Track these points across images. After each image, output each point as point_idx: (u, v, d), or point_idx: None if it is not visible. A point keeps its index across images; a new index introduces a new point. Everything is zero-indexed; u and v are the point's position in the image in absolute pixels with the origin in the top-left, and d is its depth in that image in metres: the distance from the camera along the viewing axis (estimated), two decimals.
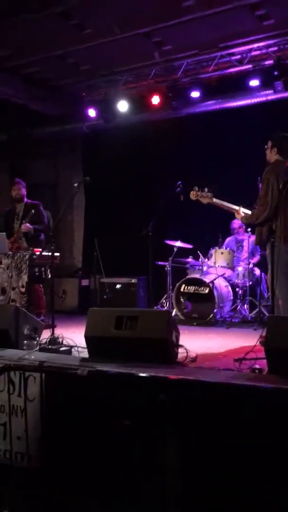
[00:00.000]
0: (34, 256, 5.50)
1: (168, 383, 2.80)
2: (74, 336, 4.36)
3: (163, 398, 2.58)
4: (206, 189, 4.78)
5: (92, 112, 7.98)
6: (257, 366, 3.34)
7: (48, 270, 5.72)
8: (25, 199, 6.17)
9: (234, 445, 2.58)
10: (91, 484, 2.88)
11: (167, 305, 6.61)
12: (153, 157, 7.69)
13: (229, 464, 2.57)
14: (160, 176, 7.55)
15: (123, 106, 7.70)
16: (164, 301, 6.83)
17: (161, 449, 2.72)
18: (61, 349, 4.05)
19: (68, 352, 4.02)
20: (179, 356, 3.68)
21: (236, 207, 4.68)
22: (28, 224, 5.81)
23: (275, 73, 6.48)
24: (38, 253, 5.57)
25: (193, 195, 4.82)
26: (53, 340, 4.19)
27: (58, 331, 4.46)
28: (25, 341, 4.06)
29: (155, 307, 6.89)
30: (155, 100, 7.45)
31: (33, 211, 5.82)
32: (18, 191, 6.12)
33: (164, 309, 6.65)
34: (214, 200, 4.76)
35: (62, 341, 4.23)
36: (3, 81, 7.40)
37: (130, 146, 7.84)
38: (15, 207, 6.19)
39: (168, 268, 6.57)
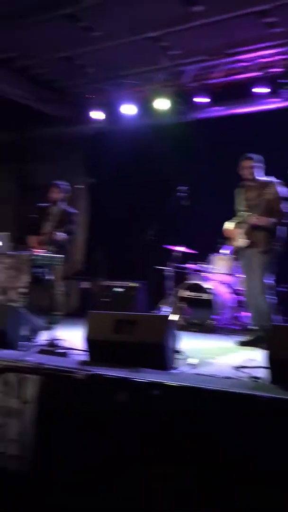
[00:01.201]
0: (36, 257, 5.46)
1: (165, 389, 2.77)
2: (73, 339, 4.33)
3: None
4: None
5: (97, 115, 7.96)
6: (257, 375, 3.31)
7: (49, 272, 5.68)
8: (63, 205, 6.08)
9: (230, 453, 2.55)
10: (87, 489, 2.85)
11: (167, 310, 6.56)
12: (158, 162, 7.65)
13: (224, 471, 2.54)
14: (164, 181, 7.52)
15: (129, 109, 7.68)
16: (163, 306, 6.78)
17: (153, 456, 2.69)
18: (59, 351, 4.03)
19: (65, 354, 3.99)
20: (178, 362, 3.65)
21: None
22: (63, 234, 5.73)
23: (284, 81, 6.46)
24: (40, 254, 5.53)
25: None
26: (52, 342, 4.17)
27: (57, 333, 4.44)
28: (23, 342, 4.04)
29: (154, 312, 6.85)
30: (162, 104, 7.42)
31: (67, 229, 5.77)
32: (57, 195, 6.03)
33: (161, 313, 6.61)
34: None
35: (60, 344, 4.21)
36: (10, 81, 7.41)
37: (135, 150, 7.82)
38: (47, 207, 6.08)
39: (168, 273, 6.53)
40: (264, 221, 4.87)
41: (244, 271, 5.14)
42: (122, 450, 2.79)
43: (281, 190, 4.92)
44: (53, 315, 5.05)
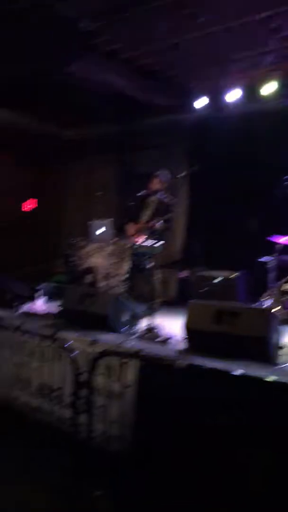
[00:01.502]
0: (137, 245, 5.55)
1: (264, 385, 2.67)
2: (172, 327, 4.35)
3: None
4: None
5: (201, 102, 7.84)
6: None
7: (150, 260, 5.75)
8: (162, 195, 6.15)
9: None
10: (181, 477, 2.85)
11: (268, 303, 6.34)
12: (264, 149, 7.37)
13: None
14: (269, 170, 7.23)
15: (234, 95, 7.48)
16: (265, 298, 6.56)
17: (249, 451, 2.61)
18: (158, 339, 4.06)
19: (165, 342, 4.02)
20: (281, 357, 3.51)
21: None
22: (161, 224, 5.76)
23: None
24: (141, 242, 5.62)
25: None
26: (151, 329, 4.21)
27: (156, 321, 4.48)
28: (123, 328, 4.13)
29: (254, 304, 6.66)
30: (269, 89, 7.11)
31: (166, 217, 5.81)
32: (155, 185, 6.11)
33: (264, 306, 6.40)
34: None
35: (159, 331, 4.24)
36: (115, 73, 7.55)
37: (240, 137, 7.59)
38: (146, 196, 6.18)
39: (272, 265, 6.28)
40: None
41: None
42: (217, 438, 2.75)
43: None
44: (152, 303, 5.10)
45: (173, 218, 6.05)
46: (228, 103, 7.53)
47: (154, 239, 5.64)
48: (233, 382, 2.79)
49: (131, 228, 5.83)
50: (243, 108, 7.58)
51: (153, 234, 5.86)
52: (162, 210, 5.96)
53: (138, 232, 5.93)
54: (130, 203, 6.31)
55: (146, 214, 6.08)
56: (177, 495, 2.77)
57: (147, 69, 7.84)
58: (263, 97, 7.25)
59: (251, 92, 7.46)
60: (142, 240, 5.66)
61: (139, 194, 6.31)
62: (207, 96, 7.77)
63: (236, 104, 7.51)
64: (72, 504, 2.51)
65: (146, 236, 5.83)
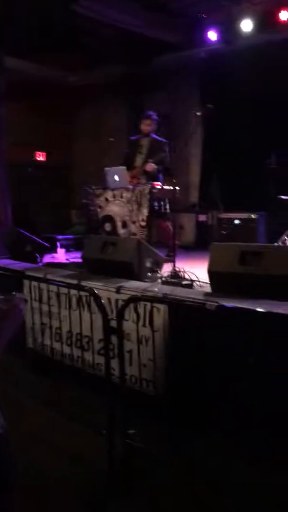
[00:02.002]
0: (155, 190, 5.47)
1: None
2: (194, 271, 4.35)
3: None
4: None
5: (212, 35, 7.47)
6: None
7: (168, 205, 5.69)
8: (152, 134, 6.10)
9: None
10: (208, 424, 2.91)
11: None
12: (279, 83, 7.05)
13: None
14: (285, 104, 6.95)
15: (246, 25, 7.09)
16: (285, 238, 6.48)
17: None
18: (183, 282, 4.07)
19: (190, 286, 4.03)
20: None
21: None
22: (153, 165, 5.78)
23: None
24: (158, 187, 5.53)
25: None
26: (175, 274, 4.22)
27: (178, 266, 4.48)
28: (148, 274, 4.14)
29: (275, 244, 6.60)
30: (284, 16, 6.71)
31: (159, 158, 5.75)
32: (147, 126, 6.04)
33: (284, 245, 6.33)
34: None
35: (183, 275, 4.25)
36: (122, 8, 7.19)
37: (253, 71, 7.26)
38: (139, 139, 6.14)
39: None
40: None
41: None
42: (244, 380, 2.80)
43: None
44: (173, 247, 5.08)
45: (167, 157, 5.96)
46: (241, 34, 7.15)
47: (148, 181, 5.59)
48: (260, 320, 2.80)
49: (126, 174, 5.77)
50: (256, 39, 7.20)
51: (148, 176, 5.82)
52: (155, 150, 5.90)
53: (134, 177, 5.88)
54: (125, 149, 6.24)
55: (139, 158, 6.01)
56: (209, 433, 2.86)
57: (153, 3, 7.44)
58: (278, 26, 6.85)
59: (264, 21, 7.05)
60: (159, 185, 5.58)
61: (132, 138, 6.21)
62: (218, 29, 7.38)
63: (249, 35, 7.13)
64: (107, 443, 2.62)
65: (140, 181, 5.79)
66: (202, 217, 7.81)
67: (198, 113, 4.57)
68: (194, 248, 7.51)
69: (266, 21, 7.00)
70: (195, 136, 8.87)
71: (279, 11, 6.77)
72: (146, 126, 6.05)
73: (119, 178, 5.67)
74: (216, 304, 2.52)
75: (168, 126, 8.97)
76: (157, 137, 6.14)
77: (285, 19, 6.75)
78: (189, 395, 3.05)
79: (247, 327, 2.82)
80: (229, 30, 7.18)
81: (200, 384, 2.94)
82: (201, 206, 8.24)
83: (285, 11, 6.70)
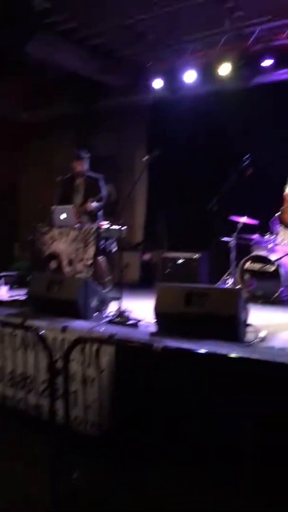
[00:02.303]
0: (101, 229, 5.55)
1: (245, 363, 2.77)
2: (139, 310, 4.40)
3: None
4: None
5: (158, 83, 7.82)
6: None
7: (114, 244, 5.78)
8: (87, 173, 6.19)
9: None
10: (159, 457, 2.92)
11: (230, 282, 6.51)
12: (221, 130, 7.46)
13: None
14: (227, 150, 7.34)
15: (190, 76, 7.49)
16: (227, 277, 6.72)
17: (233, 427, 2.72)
18: (128, 322, 4.10)
19: (135, 325, 4.06)
20: (249, 335, 3.63)
21: None
22: (93, 204, 5.87)
23: None
24: (105, 226, 5.62)
25: None
26: (121, 313, 4.25)
27: (123, 305, 4.51)
28: (94, 314, 4.14)
29: (217, 284, 6.82)
30: (224, 69, 7.17)
31: (98, 197, 5.90)
32: (81, 167, 6.12)
33: (226, 285, 6.56)
34: None
35: (129, 315, 4.28)
36: (71, 53, 7.40)
37: (197, 118, 7.65)
38: (74, 178, 6.18)
39: (232, 244, 6.43)
40: None
41: None
42: (192, 419, 2.84)
43: None
44: (118, 286, 5.13)
45: (106, 194, 6.10)
46: (185, 84, 7.54)
47: (91, 220, 5.68)
48: (204, 361, 2.87)
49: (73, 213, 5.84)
50: (200, 89, 7.61)
51: (89, 215, 5.92)
52: (93, 189, 6.00)
53: (75, 217, 5.95)
54: (57, 188, 6.30)
55: (78, 197, 6.11)
56: (154, 473, 2.85)
57: (103, 49, 7.72)
58: (220, 78, 7.30)
59: (207, 73, 7.49)
60: (106, 224, 5.67)
61: (65, 177, 6.26)
62: (164, 77, 7.74)
63: (193, 85, 7.53)
64: (51, 485, 2.56)
65: (81, 220, 5.87)
66: (146, 256, 7.94)
67: (145, 159, 4.72)
68: (138, 286, 7.59)
69: (208, 73, 7.43)
70: (142, 177, 9.10)
71: (220, 65, 7.21)
72: (79, 166, 6.11)
73: (66, 216, 5.70)
74: (162, 345, 2.57)
75: (115, 166, 9.19)
76: (91, 174, 6.21)
77: (226, 73, 7.19)
78: (135, 436, 3.05)
79: (193, 368, 2.89)
80: (173, 79, 7.54)
81: (148, 425, 2.94)
82: (145, 245, 8.39)
83: (226, 65, 7.14)
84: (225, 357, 2.64)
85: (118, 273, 5.16)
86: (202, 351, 2.69)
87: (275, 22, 6.59)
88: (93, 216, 5.96)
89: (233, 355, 2.63)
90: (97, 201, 5.95)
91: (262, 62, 6.94)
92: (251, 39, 6.93)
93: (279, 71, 7.02)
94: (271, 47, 6.97)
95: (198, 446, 2.75)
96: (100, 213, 6.07)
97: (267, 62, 6.91)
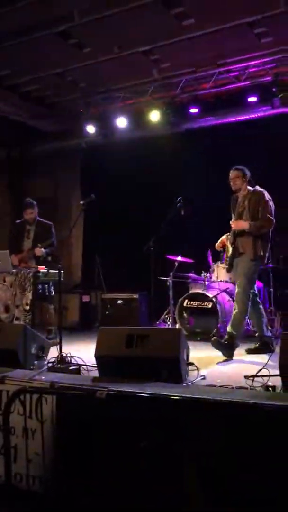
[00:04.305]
0: (39, 274, 5.49)
1: (185, 404, 2.79)
2: (80, 354, 4.34)
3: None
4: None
5: (90, 129, 8.02)
6: (270, 384, 3.34)
7: (52, 287, 5.72)
8: (38, 218, 6.28)
9: (252, 465, 2.56)
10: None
11: (169, 320, 6.60)
12: (153, 173, 7.73)
13: (245, 484, 2.56)
14: (160, 192, 7.59)
15: (121, 122, 7.76)
16: (166, 316, 6.81)
17: (178, 470, 2.70)
18: (70, 368, 4.02)
19: (77, 371, 3.99)
20: (190, 374, 3.68)
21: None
22: (42, 249, 5.87)
23: (273, 89, 6.57)
24: (43, 270, 5.56)
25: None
26: (61, 359, 4.16)
27: (63, 349, 4.43)
28: (34, 361, 4.03)
29: (157, 323, 6.88)
30: (154, 116, 7.50)
31: (49, 242, 5.96)
32: (31, 214, 6.22)
33: (166, 324, 6.64)
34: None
35: (70, 360, 4.21)
36: (2, 99, 7.45)
37: (129, 162, 7.88)
38: (25, 224, 6.27)
39: (170, 283, 6.56)
40: (240, 224, 4.83)
41: (235, 279, 5.14)
42: (142, 468, 2.80)
43: (267, 197, 4.89)
44: (57, 330, 5.05)
45: (55, 240, 6.18)
46: (117, 129, 7.78)
47: (38, 266, 5.70)
48: (148, 404, 2.87)
49: (13, 258, 5.82)
50: (132, 134, 7.88)
51: (36, 260, 5.95)
52: (43, 234, 6.09)
53: (22, 261, 5.99)
54: (10, 233, 6.36)
55: (27, 242, 6.18)
56: None
57: (34, 95, 7.84)
58: (150, 124, 7.62)
59: (138, 119, 7.80)
60: (43, 269, 5.61)
61: (17, 222, 6.42)
62: (96, 123, 7.96)
63: (125, 131, 7.79)
64: None
65: (29, 265, 5.92)
66: (85, 298, 7.89)
67: (82, 202, 4.80)
68: (78, 329, 7.50)
69: (139, 119, 7.73)
70: (78, 221, 9.15)
71: (150, 111, 7.53)
72: (29, 214, 6.23)
73: (1, 262, 5.58)
74: (106, 391, 2.55)
75: (51, 209, 9.18)
76: (42, 220, 6.30)
77: (155, 119, 7.51)
78: (81, 488, 2.94)
79: (137, 411, 2.87)
80: (105, 125, 7.78)
81: (93, 474, 2.86)
82: (84, 287, 8.35)
83: (155, 112, 7.47)
84: (167, 399, 2.65)
85: (58, 316, 5.09)
86: (145, 394, 2.69)
87: (198, 73, 7.03)
88: (41, 261, 5.94)
89: (175, 396, 2.65)
90: (48, 245, 5.95)
91: (189, 109, 7.34)
92: (178, 88, 7.33)
93: (205, 118, 7.43)
94: (196, 96, 7.40)
95: (148, 499, 2.70)
96: (50, 259, 6.05)
97: (193, 110, 7.31)
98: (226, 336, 4.78)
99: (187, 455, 2.67)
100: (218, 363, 4.57)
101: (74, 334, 6.81)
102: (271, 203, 4.88)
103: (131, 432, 2.77)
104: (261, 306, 5.14)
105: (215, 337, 4.86)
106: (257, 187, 5.02)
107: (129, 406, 2.78)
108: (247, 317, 4.98)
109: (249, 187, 5.02)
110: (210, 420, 2.56)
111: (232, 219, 5.01)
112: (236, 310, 4.78)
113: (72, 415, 3.02)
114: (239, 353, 4.95)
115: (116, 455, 2.83)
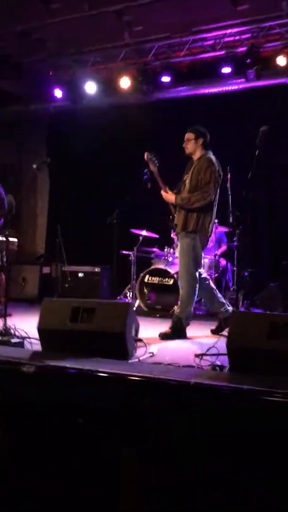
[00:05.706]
0: None
1: (124, 381, 2.62)
2: (30, 327, 4.13)
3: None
4: (155, 160, 4.78)
5: (58, 93, 7.63)
6: (218, 363, 3.20)
7: (5, 257, 5.44)
8: None
9: (192, 446, 2.43)
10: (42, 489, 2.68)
11: (131, 296, 6.42)
12: (121, 142, 7.43)
13: (186, 465, 2.43)
14: (127, 162, 7.30)
15: (91, 87, 7.40)
16: (127, 291, 6.63)
17: (116, 450, 2.55)
18: (13, 340, 3.81)
19: (21, 344, 3.78)
20: (138, 350, 3.51)
21: (164, 187, 4.69)
22: None
23: (247, 61, 6.31)
24: None
25: (146, 156, 4.80)
26: (5, 331, 3.94)
27: (14, 321, 4.21)
28: None
29: (118, 298, 6.70)
30: (125, 83, 7.16)
31: None
32: None
33: (127, 299, 6.46)
34: (156, 170, 4.78)
35: (14, 332, 3.99)
36: None
37: (98, 130, 7.57)
38: None
39: (133, 258, 6.37)
40: (167, 197, 4.54)
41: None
42: (80, 446, 2.64)
43: (211, 166, 4.43)
44: (7, 301, 4.81)
45: (8, 211, 5.82)
46: (86, 95, 7.43)
47: (3, 231, 5.38)
48: (91, 383, 2.69)
49: None
50: (101, 101, 7.54)
51: None
52: None
53: None
54: None
55: None
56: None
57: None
58: (120, 91, 7.29)
59: (108, 85, 7.46)
60: None
61: None
62: (64, 87, 7.58)
63: (94, 97, 7.44)
64: None
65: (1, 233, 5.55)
66: (46, 270, 7.63)
67: (34, 166, 4.50)
68: (37, 302, 7.25)
69: (109, 85, 7.39)
70: (43, 188, 8.82)
71: (120, 78, 7.20)
72: None
73: None
74: (34, 365, 2.35)
75: (15, 176, 8.82)
76: None
77: (126, 86, 7.18)
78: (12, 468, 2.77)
79: (72, 388, 2.69)
80: (74, 90, 7.40)
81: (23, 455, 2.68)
82: (46, 258, 8.08)
83: (126, 79, 7.14)
84: (96, 375, 2.47)
85: (8, 288, 4.85)
86: (73, 370, 2.50)
87: (172, 39, 6.71)
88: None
89: (103, 373, 2.47)
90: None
91: (161, 78, 7.03)
92: (150, 54, 7.00)
93: (177, 88, 7.14)
94: (169, 64, 7.09)
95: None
96: (1, 223, 5.68)
97: (165, 79, 7.00)
98: (171, 323, 4.56)
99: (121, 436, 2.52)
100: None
101: (32, 307, 6.57)
102: (215, 175, 4.44)
103: (64, 410, 2.59)
104: (208, 282, 4.75)
105: (160, 332, 4.52)
106: (208, 154, 4.54)
107: (61, 382, 2.59)
108: (196, 298, 4.66)
109: (202, 153, 4.56)
110: (139, 398, 2.39)
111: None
112: (181, 291, 4.52)
113: (3, 390, 2.83)
114: (201, 330, 4.80)
115: (49, 432, 2.66)
